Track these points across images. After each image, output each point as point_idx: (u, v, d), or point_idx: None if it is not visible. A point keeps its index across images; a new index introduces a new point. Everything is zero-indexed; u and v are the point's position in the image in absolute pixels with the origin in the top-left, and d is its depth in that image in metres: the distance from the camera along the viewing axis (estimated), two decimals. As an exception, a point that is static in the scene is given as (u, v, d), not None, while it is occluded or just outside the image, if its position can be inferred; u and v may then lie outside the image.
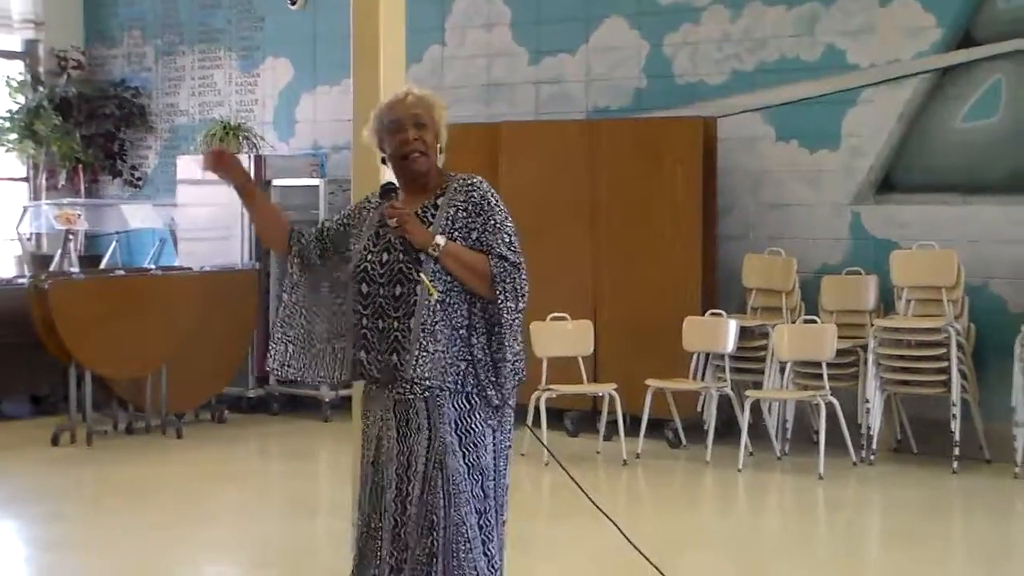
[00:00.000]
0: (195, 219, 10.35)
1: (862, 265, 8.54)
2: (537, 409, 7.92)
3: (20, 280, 9.95)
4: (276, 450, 9.19)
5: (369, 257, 3.64)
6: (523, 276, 3.61)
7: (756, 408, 8.17)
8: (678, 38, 9.31)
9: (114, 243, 11.19)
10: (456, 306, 3.58)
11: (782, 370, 8.21)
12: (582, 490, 3.89)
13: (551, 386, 8.10)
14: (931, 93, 8.49)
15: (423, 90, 3.78)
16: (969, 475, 7.69)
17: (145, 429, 8.97)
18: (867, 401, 7.96)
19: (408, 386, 3.58)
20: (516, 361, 3.63)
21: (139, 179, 11.85)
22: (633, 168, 8.87)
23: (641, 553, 4.06)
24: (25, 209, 11.30)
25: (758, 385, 8.33)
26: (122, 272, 9.67)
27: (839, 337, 7.93)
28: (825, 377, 7.86)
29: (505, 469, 3.70)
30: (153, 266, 10.44)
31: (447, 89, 9.99)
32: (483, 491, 3.60)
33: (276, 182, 10.07)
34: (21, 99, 11.60)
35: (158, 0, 11.81)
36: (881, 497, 7.53)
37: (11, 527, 7.04)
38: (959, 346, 7.79)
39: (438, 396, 3.58)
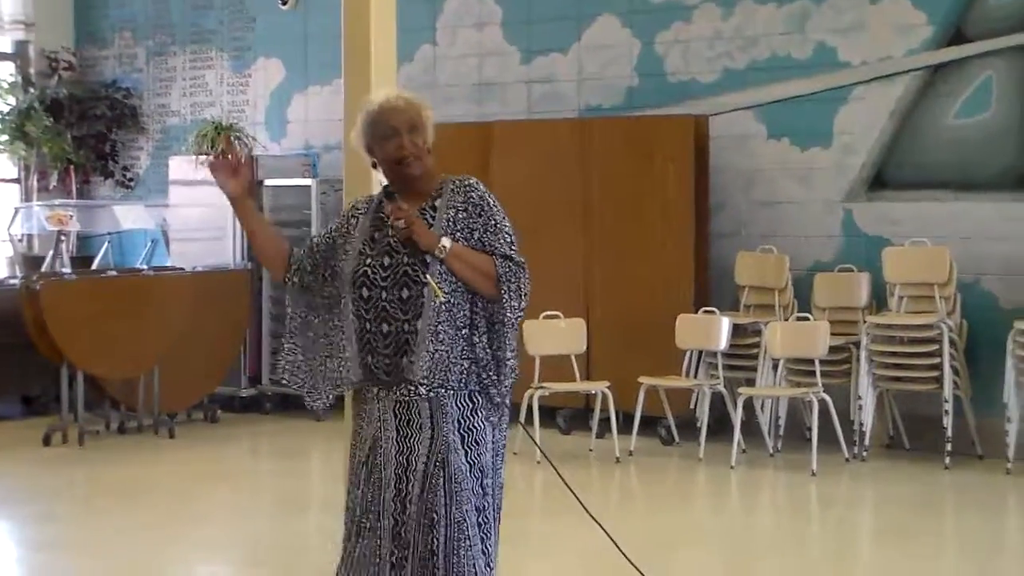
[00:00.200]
0: (187, 219, 10.34)
1: (854, 262, 8.55)
2: (530, 407, 7.92)
3: (12, 281, 9.94)
4: (268, 449, 9.18)
5: (368, 262, 3.62)
6: (527, 276, 3.64)
7: (749, 405, 8.17)
8: (670, 36, 9.31)
9: (106, 244, 11.17)
10: (459, 306, 3.59)
11: (775, 367, 8.22)
12: (570, 489, 3.89)
13: (544, 384, 8.10)
14: (923, 90, 8.49)
15: (409, 93, 3.77)
16: (961, 471, 7.70)
17: (137, 429, 8.96)
18: (859, 398, 7.97)
19: (413, 387, 3.57)
20: (514, 359, 3.66)
21: (131, 180, 11.84)
22: (625, 166, 8.88)
23: (623, 554, 4.06)
24: (16, 210, 11.29)
25: (751, 382, 8.33)
26: (114, 273, 9.66)
27: (831, 334, 7.93)
28: (818, 374, 7.87)
29: (501, 467, 3.70)
30: (145, 266, 10.43)
31: (439, 88, 9.99)
32: (482, 488, 3.62)
33: (268, 182, 10.08)
34: (12, 101, 11.58)
35: (149, 1, 11.80)
36: (874, 493, 7.54)
37: (2, 528, 7.03)
38: (951, 342, 7.80)
39: (441, 396, 3.58)
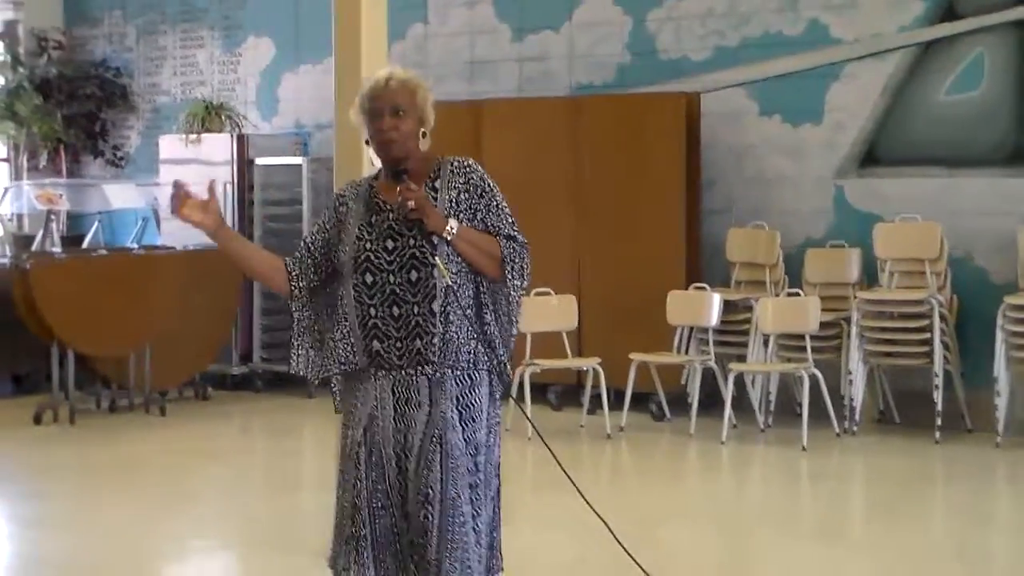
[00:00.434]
0: (178, 198, 10.28)
1: (846, 238, 8.55)
2: (521, 383, 7.93)
3: (2, 260, 9.92)
4: (260, 427, 9.18)
5: (368, 246, 3.58)
6: (528, 255, 3.63)
7: (740, 381, 8.18)
8: (662, 13, 9.30)
9: (96, 223, 11.14)
10: (465, 287, 3.59)
11: (766, 343, 8.23)
12: (559, 465, 3.88)
13: (535, 360, 8.10)
14: (914, 67, 8.49)
15: (407, 72, 3.70)
16: (951, 445, 7.72)
17: (128, 407, 8.96)
18: (850, 373, 7.99)
19: (419, 368, 3.56)
20: (513, 336, 3.68)
21: (121, 159, 11.81)
22: (617, 144, 8.86)
23: (610, 530, 4.06)
24: (6, 190, 11.26)
25: (742, 358, 8.34)
26: (104, 251, 9.64)
27: (822, 310, 7.95)
28: (808, 349, 7.88)
29: (495, 446, 3.70)
30: (136, 245, 10.40)
31: (430, 67, 9.96)
32: (475, 465, 3.61)
33: (259, 161, 10.07)
34: (1, 80, 11.54)
35: (139, -21, 11.76)
36: (864, 468, 7.56)
37: (-6, 505, 7.03)
38: (942, 318, 7.81)
39: (441, 374, 3.58)
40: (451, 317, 3.55)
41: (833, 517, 6.64)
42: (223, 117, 10.38)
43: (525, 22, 9.83)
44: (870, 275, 8.40)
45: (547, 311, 8.27)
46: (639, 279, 8.70)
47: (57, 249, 9.99)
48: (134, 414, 8.91)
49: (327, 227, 3.69)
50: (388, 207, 3.59)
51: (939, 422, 7.75)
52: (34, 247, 10.37)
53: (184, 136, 10.25)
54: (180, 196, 3.60)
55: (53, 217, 10.61)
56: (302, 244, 3.72)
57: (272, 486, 7.30)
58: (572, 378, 8.71)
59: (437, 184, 3.63)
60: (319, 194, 9.76)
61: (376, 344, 3.57)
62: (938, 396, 7.76)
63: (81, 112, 11.58)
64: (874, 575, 5.60)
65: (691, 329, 8.44)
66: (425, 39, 10.23)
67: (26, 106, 11.29)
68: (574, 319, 8.39)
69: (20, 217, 11.50)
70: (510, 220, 3.64)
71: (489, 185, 3.65)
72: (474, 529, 3.59)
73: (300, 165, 9.94)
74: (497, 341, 3.65)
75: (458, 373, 3.59)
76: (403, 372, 3.58)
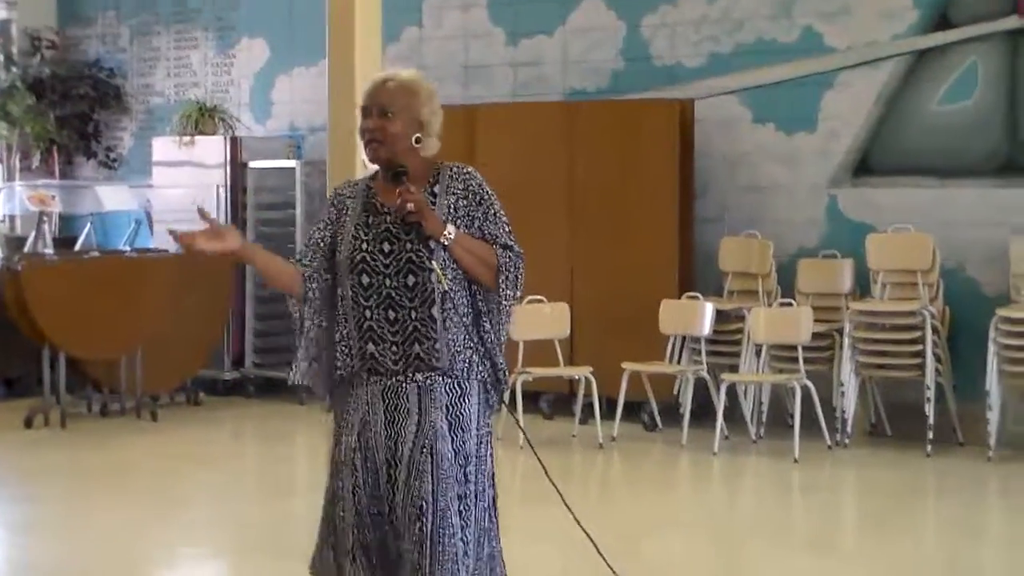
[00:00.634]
0: (171, 200, 10.28)
1: (838, 248, 8.56)
2: (513, 392, 7.92)
3: (-7, 262, 9.88)
4: (251, 432, 9.17)
5: (365, 247, 3.56)
6: (523, 266, 3.63)
7: (732, 391, 8.18)
8: (656, 20, 9.29)
9: (89, 225, 11.11)
10: (460, 294, 3.57)
11: (758, 353, 8.22)
12: (547, 476, 3.88)
13: (527, 369, 8.09)
14: (908, 76, 8.50)
15: (413, 75, 3.68)
16: (943, 458, 7.72)
17: (120, 411, 8.94)
18: (842, 384, 7.99)
19: (405, 375, 3.55)
20: (503, 345, 3.68)
21: (114, 160, 11.78)
22: (610, 150, 8.86)
23: (592, 541, 4.06)
24: (-2, 191, 11.24)
25: (734, 368, 8.34)
26: (97, 254, 9.62)
27: (815, 320, 7.95)
28: (801, 360, 7.88)
29: (488, 455, 3.68)
30: (128, 248, 10.38)
31: (424, 70, 9.81)
32: (465, 476, 3.60)
33: (252, 164, 10.05)
34: (-6, 80, 11.52)
35: (133, -20, 11.74)
36: (856, 480, 7.56)
37: (-16, 510, 7.01)
38: (934, 329, 7.82)
39: (432, 382, 3.57)
40: (448, 324, 3.55)
41: (824, 529, 6.64)
42: (216, 119, 10.36)
43: (519, 26, 9.82)
44: (863, 286, 8.40)
45: (540, 319, 8.27)
46: (632, 287, 8.69)
47: (49, 251, 9.96)
48: (125, 418, 8.89)
49: (330, 221, 3.66)
50: (386, 209, 3.58)
51: (931, 435, 7.75)
52: (26, 249, 10.34)
53: (177, 138, 10.23)
54: (186, 238, 3.49)
55: (45, 219, 10.58)
56: (309, 243, 3.66)
57: (264, 492, 7.29)
58: (564, 387, 8.71)
59: (436, 189, 3.62)
60: (312, 198, 9.74)
61: (371, 347, 3.56)
62: (930, 409, 7.76)
63: (74, 113, 11.55)
64: (865, 590, 5.61)
65: (683, 338, 8.44)
66: (419, 42, 10.22)
67: (19, 106, 11.25)
68: (567, 327, 8.38)
69: (12, 218, 11.48)
70: (507, 229, 3.63)
71: (488, 193, 3.64)
72: (463, 540, 3.57)
73: (293, 168, 9.93)
74: (496, 350, 3.64)
75: (449, 381, 3.58)
76: (394, 379, 3.57)
